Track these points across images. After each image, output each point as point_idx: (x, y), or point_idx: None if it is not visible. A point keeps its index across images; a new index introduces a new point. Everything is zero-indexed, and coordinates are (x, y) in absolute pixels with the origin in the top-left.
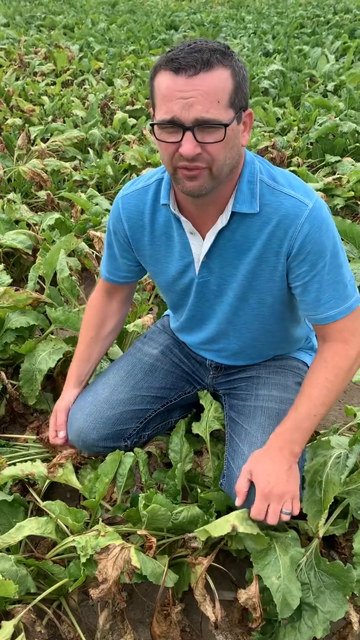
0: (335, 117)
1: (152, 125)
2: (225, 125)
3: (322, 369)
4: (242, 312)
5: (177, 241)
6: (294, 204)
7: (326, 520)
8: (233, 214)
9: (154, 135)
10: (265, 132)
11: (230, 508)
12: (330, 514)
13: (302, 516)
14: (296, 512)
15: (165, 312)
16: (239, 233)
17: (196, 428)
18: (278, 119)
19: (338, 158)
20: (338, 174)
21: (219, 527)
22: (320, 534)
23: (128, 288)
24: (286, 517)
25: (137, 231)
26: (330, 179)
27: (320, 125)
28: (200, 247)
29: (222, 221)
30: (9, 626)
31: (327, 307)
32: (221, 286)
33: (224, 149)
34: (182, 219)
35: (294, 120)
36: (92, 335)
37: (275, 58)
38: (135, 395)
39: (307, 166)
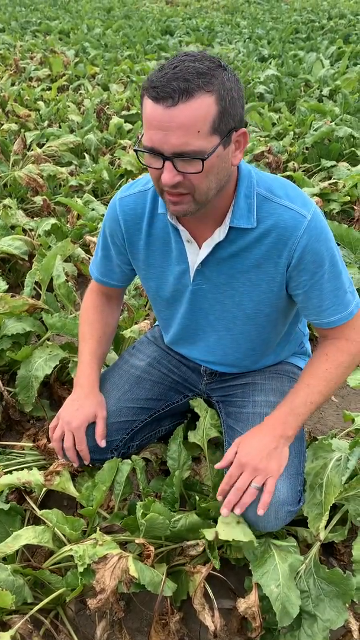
0: (330, 122)
1: (135, 151)
2: (203, 159)
3: (323, 362)
4: (238, 321)
5: (174, 248)
6: (293, 216)
7: (325, 527)
8: (231, 228)
9: (139, 158)
10: (261, 137)
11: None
12: (329, 521)
13: (299, 523)
14: (268, 490)
15: (157, 322)
16: (236, 245)
17: (193, 437)
18: (274, 124)
19: (334, 163)
20: (334, 178)
21: (209, 532)
22: (321, 536)
23: (122, 290)
24: (254, 492)
25: (134, 234)
26: (326, 183)
27: (315, 130)
28: (196, 255)
29: (219, 235)
30: (5, 637)
31: (329, 314)
32: (217, 294)
33: (206, 178)
34: (180, 227)
35: (290, 125)
36: (100, 335)
37: (270, 63)
38: (121, 407)
39: (303, 171)
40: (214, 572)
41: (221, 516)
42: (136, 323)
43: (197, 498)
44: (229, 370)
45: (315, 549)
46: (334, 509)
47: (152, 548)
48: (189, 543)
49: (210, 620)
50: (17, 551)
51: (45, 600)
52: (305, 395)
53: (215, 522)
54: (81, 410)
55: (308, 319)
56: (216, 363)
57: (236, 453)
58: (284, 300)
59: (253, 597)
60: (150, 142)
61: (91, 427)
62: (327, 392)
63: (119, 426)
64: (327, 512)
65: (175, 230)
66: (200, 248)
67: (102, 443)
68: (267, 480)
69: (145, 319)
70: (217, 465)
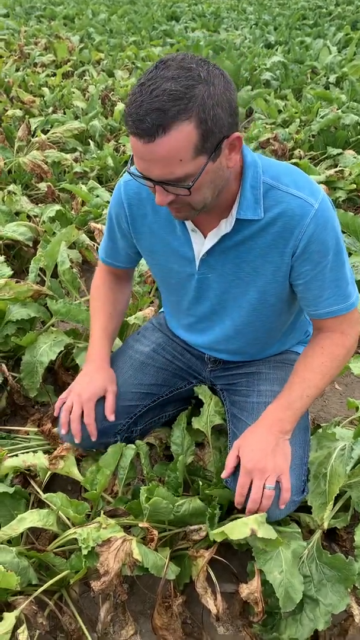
0: (337, 109)
1: (129, 172)
2: (189, 187)
3: (318, 356)
4: (244, 310)
5: (178, 234)
6: (300, 205)
7: None
8: (237, 219)
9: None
10: (266, 124)
11: (234, 502)
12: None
13: (301, 509)
14: (285, 488)
15: (162, 309)
16: (243, 235)
17: (197, 423)
18: (280, 111)
19: (340, 150)
20: (340, 166)
21: (237, 530)
22: (325, 525)
23: (129, 270)
24: (270, 493)
25: (138, 219)
26: (332, 171)
27: (322, 117)
28: (201, 244)
29: (225, 227)
30: (10, 617)
31: (328, 304)
32: (222, 284)
33: (198, 194)
34: None
35: (296, 113)
36: (111, 311)
37: (277, 50)
38: (124, 391)
39: (309, 159)
40: (217, 557)
41: (262, 502)
42: (140, 310)
43: (201, 483)
44: (233, 359)
45: (317, 535)
46: (337, 495)
47: (155, 532)
48: (192, 528)
49: (212, 603)
50: (21, 534)
51: (50, 582)
52: (302, 389)
53: (220, 507)
54: (92, 383)
55: (306, 309)
56: (220, 351)
57: (237, 457)
58: (289, 290)
59: (255, 582)
60: (139, 168)
61: (98, 408)
62: (322, 385)
63: (123, 410)
64: (332, 502)
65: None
66: (205, 238)
67: (112, 417)
68: (280, 477)
69: (149, 306)
70: (223, 475)
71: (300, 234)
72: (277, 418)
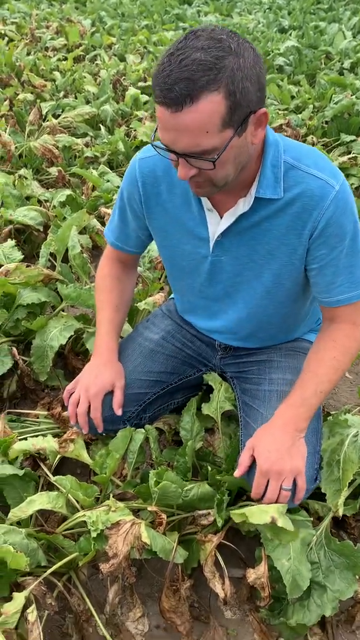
0: (351, 95)
1: (153, 144)
2: (214, 161)
3: (330, 349)
4: (257, 294)
5: (193, 214)
6: (321, 185)
7: None
8: (256, 198)
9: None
10: (279, 110)
11: (243, 489)
12: None
13: (310, 496)
14: (301, 487)
15: (172, 295)
16: (260, 215)
17: (206, 409)
18: (293, 97)
19: (353, 137)
20: (353, 153)
21: (257, 515)
22: (340, 512)
23: (136, 256)
24: (286, 494)
25: (151, 197)
26: (345, 158)
27: (335, 103)
28: (216, 225)
29: (244, 206)
30: (20, 597)
31: (340, 291)
32: (236, 267)
33: (222, 169)
34: None
35: (309, 99)
36: (117, 303)
37: (290, 34)
38: (133, 379)
39: (322, 145)
40: (225, 542)
41: (279, 501)
42: (150, 295)
43: (210, 469)
44: (244, 345)
45: (326, 522)
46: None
47: (164, 516)
48: (200, 512)
49: (220, 588)
50: (30, 516)
51: (59, 564)
52: (315, 385)
53: (229, 493)
54: (100, 378)
55: (318, 297)
56: (231, 337)
57: (251, 456)
58: (304, 274)
59: (262, 568)
60: (163, 140)
61: (107, 397)
62: (335, 379)
63: (132, 398)
64: (346, 489)
65: (196, 197)
66: (221, 218)
67: (119, 412)
68: (296, 477)
69: (159, 292)
70: (236, 474)
71: (320, 215)
72: (291, 416)
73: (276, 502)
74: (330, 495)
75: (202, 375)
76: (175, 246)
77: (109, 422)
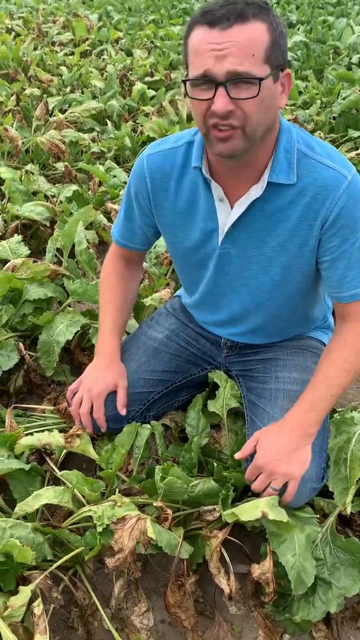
0: (359, 91)
1: (184, 81)
2: (260, 80)
3: (341, 349)
4: (265, 288)
5: (202, 207)
6: (333, 175)
7: None
8: (268, 184)
9: (187, 93)
10: (287, 105)
11: (248, 485)
12: None
13: (317, 493)
14: (288, 497)
15: (176, 293)
16: (272, 204)
17: (212, 406)
18: (300, 92)
19: None
20: None
21: (248, 511)
22: (348, 510)
23: (142, 254)
24: (272, 492)
25: (160, 193)
26: (353, 154)
27: (343, 99)
28: (227, 216)
29: (256, 191)
30: (26, 591)
31: (352, 286)
32: (244, 259)
33: (258, 107)
34: (213, 183)
35: (317, 94)
36: (122, 302)
37: (298, 29)
38: (137, 378)
39: (330, 141)
40: (230, 537)
41: (264, 496)
42: (156, 291)
43: (215, 465)
44: (250, 341)
45: (332, 519)
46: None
47: (169, 511)
48: (205, 508)
49: (225, 583)
50: (37, 510)
51: (65, 558)
52: (325, 388)
53: (234, 489)
54: (102, 379)
55: (329, 292)
56: (238, 332)
57: (255, 446)
58: (314, 267)
59: (267, 563)
60: (203, 66)
61: (110, 396)
62: (346, 383)
63: (136, 397)
64: (354, 487)
65: (206, 188)
66: (232, 209)
67: (123, 411)
68: (288, 482)
69: (165, 288)
70: (237, 456)
71: (332, 205)
72: (301, 420)
73: (259, 496)
74: (337, 493)
75: (207, 374)
76: (184, 241)
77: (113, 421)
